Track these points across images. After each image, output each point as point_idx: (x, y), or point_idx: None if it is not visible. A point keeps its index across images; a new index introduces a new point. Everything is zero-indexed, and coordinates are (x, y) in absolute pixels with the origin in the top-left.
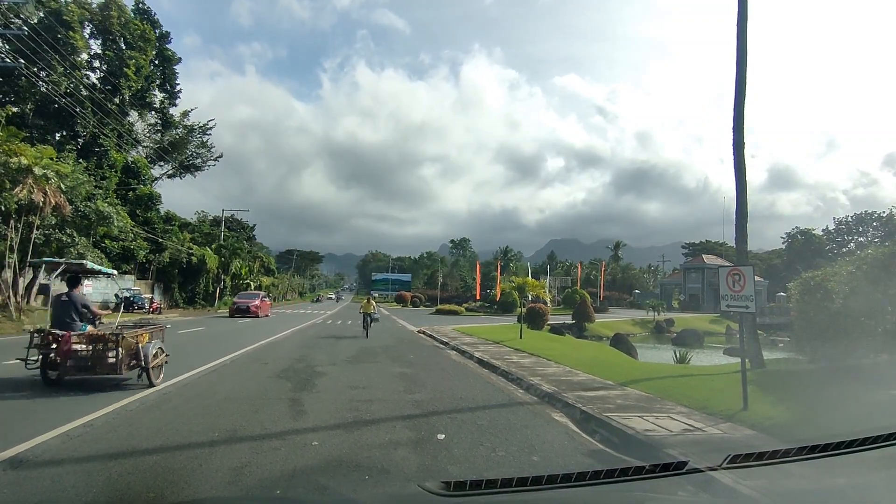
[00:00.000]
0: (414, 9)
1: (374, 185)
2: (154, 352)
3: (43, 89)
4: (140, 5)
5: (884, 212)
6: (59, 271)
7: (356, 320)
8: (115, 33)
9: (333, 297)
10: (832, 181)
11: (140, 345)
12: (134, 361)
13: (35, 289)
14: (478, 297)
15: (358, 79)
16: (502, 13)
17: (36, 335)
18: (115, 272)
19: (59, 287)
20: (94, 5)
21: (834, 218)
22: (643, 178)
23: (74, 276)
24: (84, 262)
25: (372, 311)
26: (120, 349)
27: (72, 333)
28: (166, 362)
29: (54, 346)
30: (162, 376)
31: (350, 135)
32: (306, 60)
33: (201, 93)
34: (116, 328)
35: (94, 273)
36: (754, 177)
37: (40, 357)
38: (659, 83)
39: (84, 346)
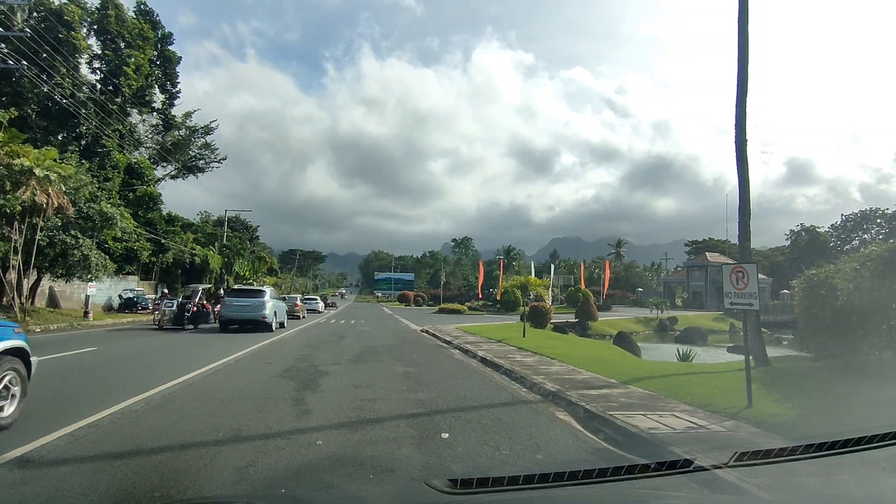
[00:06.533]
0: None
1: (379, 181)
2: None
3: (45, 90)
4: (142, 6)
5: (888, 209)
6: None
7: (360, 319)
8: (114, 32)
9: (317, 298)
10: (849, 177)
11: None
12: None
13: (38, 290)
14: (480, 296)
15: (362, 67)
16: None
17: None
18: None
19: (62, 289)
20: (92, 6)
21: (842, 215)
22: (647, 175)
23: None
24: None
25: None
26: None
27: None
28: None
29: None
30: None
31: (355, 128)
32: (310, 45)
33: (199, 82)
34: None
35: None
36: (770, 172)
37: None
38: (669, 79)
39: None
